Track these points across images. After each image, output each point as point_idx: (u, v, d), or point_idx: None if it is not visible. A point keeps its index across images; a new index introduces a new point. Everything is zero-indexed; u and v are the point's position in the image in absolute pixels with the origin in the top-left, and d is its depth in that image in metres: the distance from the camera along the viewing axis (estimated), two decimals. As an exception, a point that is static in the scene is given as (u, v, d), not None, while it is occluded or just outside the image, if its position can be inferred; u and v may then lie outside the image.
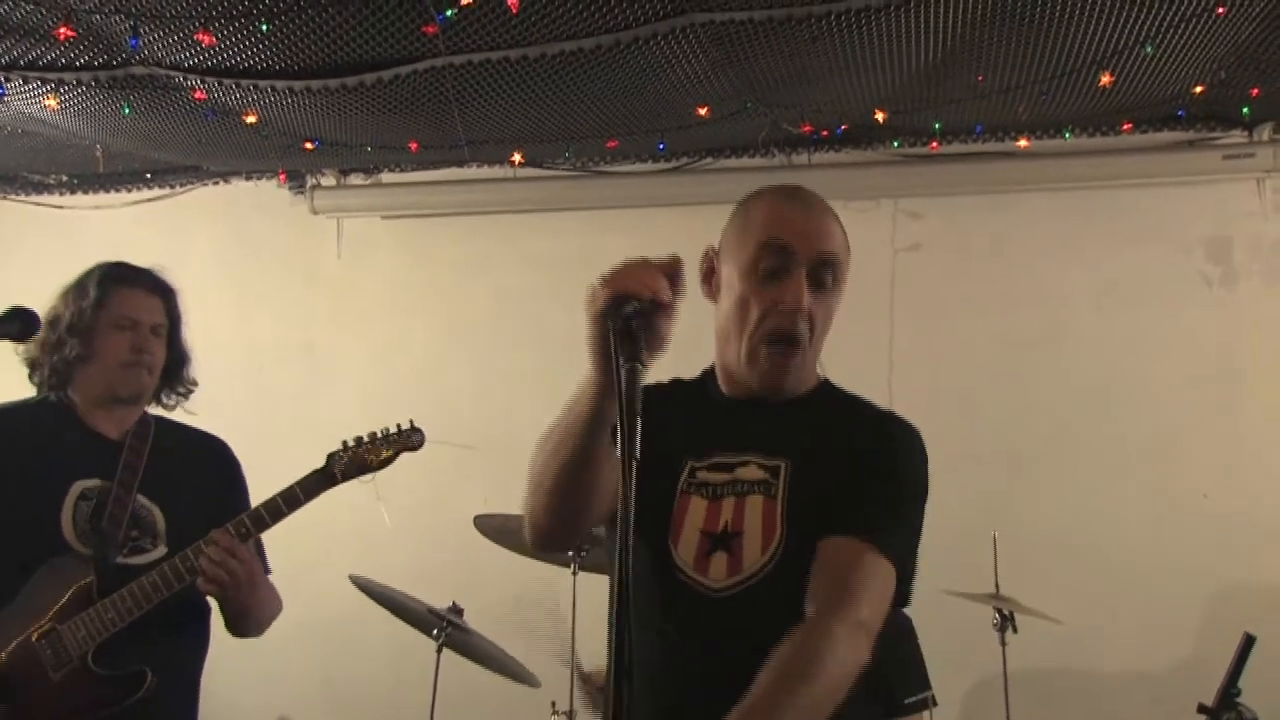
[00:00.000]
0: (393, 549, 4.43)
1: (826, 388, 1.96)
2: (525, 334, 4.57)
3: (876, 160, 4.55)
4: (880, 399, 1.98)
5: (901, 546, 1.78)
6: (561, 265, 4.48)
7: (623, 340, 1.45)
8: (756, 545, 1.75)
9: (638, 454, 1.34)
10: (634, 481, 1.32)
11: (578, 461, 1.66)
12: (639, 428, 1.34)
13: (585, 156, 4.63)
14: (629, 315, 1.47)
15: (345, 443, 2.58)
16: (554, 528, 1.78)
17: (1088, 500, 4.30)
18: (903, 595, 1.78)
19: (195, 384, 2.78)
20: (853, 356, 4.11)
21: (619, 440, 1.34)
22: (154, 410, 2.75)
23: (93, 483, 2.55)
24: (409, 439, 2.60)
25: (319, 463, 2.59)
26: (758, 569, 1.74)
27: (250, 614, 2.57)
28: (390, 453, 2.57)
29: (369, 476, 2.57)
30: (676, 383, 1.99)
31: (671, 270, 1.55)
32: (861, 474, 1.77)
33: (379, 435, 2.59)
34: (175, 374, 2.74)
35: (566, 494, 1.70)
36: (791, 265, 1.78)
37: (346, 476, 2.55)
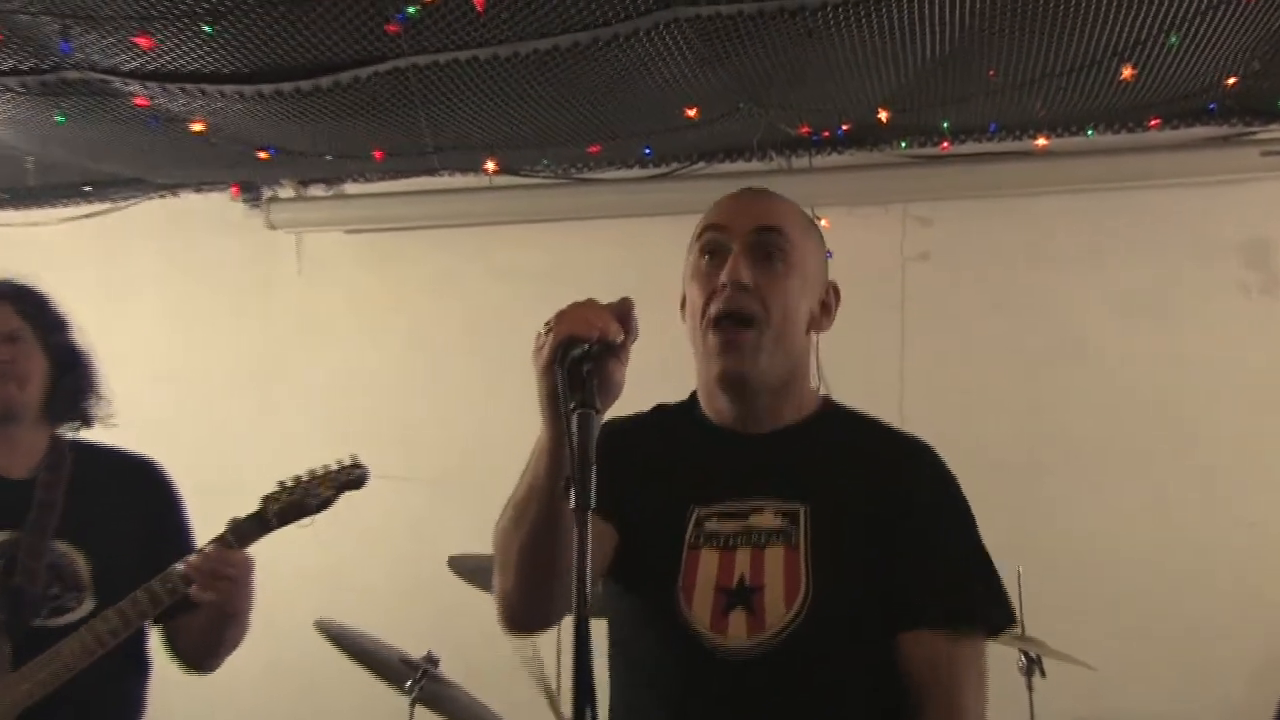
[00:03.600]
0: (362, 591, 4.41)
1: (830, 410, 1.96)
2: (501, 357, 4.27)
3: (882, 162, 4.53)
4: (891, 420, 1.99)
5: (983, 611, 1.84)
6: (541, 282, 4.48)
7: (572, 385, 1.48)
8: (780, 600, 1.75)
9: (592, 503, 1.36)
10: (589, 533, 1.34)
11: (544, 530, 1.63)
12: (593, 477, 1.37)
13: (565, 163, 4.61)
14: (577, 358, 1.50)
15: (282, 483, 2.55)
16: (529, 608, 1.74)
17: (1121, 532, 4.26)
18: (1006, 625, 1.88)
19: (98, 394, 2.68)
20: (861, 373, 4.12)
21: (571, 491, 1.36)
22: (71, 436, 2.69)
23: (1, 535, 2.48)
24: (350, 476, 2.56)
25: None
26: (783, 626, 1.74)
27: (239, 621, 2.52)
28: (330, 492, 2.54)
29: (308, 520, 2.54)
30: (660, 410, 2.00)
31: (621, 311, 1.57)
32: (911, 540, 1.79)
33: (317, 474, 2.56)
34: (63, 383, 2.63)
35: (537, 568, 1.67)
36: (727, 243, 1.85)
37: (284, 520, 2.51)
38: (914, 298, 4.54)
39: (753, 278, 1.82)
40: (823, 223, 3.93)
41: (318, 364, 4.89)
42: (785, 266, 1.85)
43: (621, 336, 1.56)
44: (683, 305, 1.93)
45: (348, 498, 2.66)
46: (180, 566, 2.44)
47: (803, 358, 1.91)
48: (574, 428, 1.44)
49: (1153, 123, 4.26)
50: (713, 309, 1.83)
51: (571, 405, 1.46)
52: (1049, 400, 4.41)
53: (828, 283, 1.95)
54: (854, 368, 4.03)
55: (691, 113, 3.84)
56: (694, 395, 1.96)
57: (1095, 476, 4.33)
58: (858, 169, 4.56)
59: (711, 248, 1.87)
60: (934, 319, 4.52)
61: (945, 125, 4.25)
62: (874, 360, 4.41)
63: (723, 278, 1.82)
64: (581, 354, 1.51)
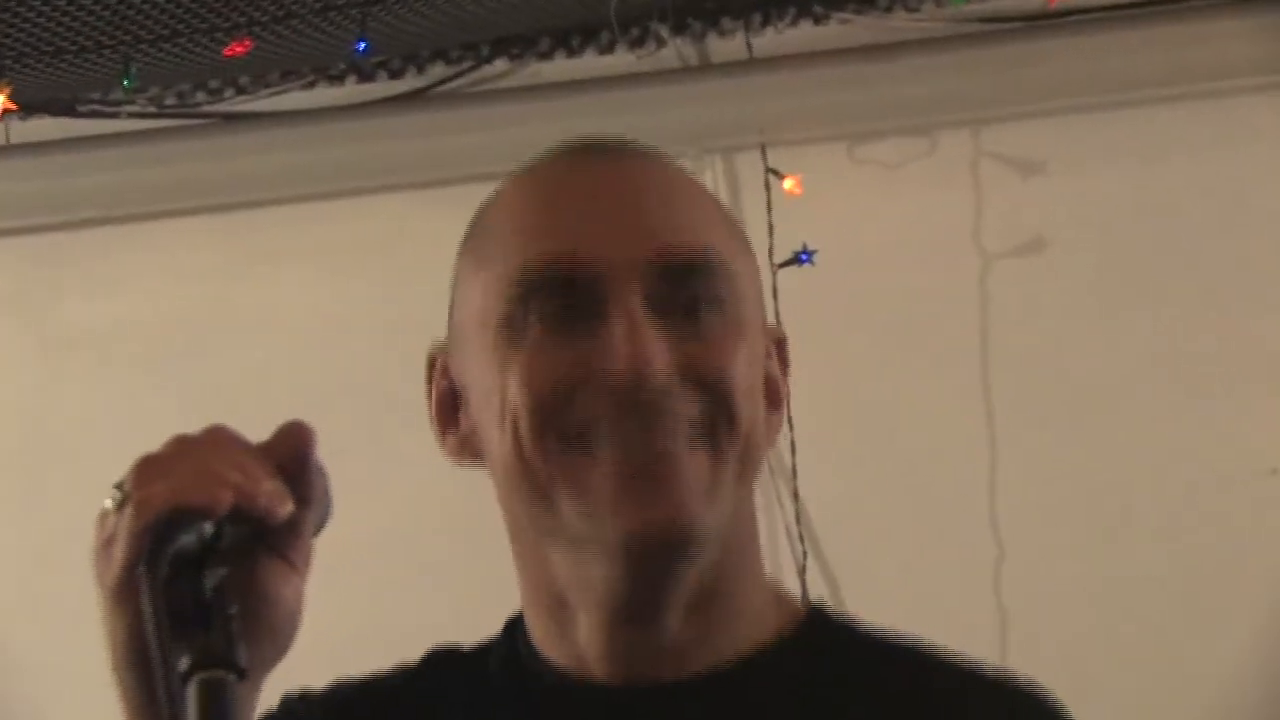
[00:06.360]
0: None
1: (819, 628, 1.96)
2: (54, 541, 4.17)
3: (914, 37, 4.45)
4: (982, 627, 2.64)
5: None
6: (136, 360, 4.52)
7: (179, 620, 1.41)
8: None
9: None
10: None
11: None
12: None
13: (176, 84, 4.45)
14: (188, 557, 1.46)
15: None
16: None
17: None
18: None
19: None
20: (903, 525, 4.43)
21: None
22: None
23: None
24: None
25: None
26: None
27: None
28: None
29: None
30: (444, 661, 1.99)
31: (287, 449, 1.58)
32: None
33: None
34: None
35: None
36: (602, 292, 1.81)
37: None
38: (1005, 337, 4.41)
39: (678, 353, 1.78)
40: (786, 184, 4.17)
41: None
42: (733, 324, 1.84)
43: (288, 507, 1.55)
44: (445, 428, 1.90)
45: None
46: None
47: (751, 508, 1.95)
48: (188, 713, 1.35)
49: None
50: (580, 416, 1.77)
51: (182, 665, 1.36)
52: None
53: (768, 332, 2.01)
54: (870, 518, 4.42)
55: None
56: (513, 625, 1.94)
57: None
58: (857, 54, 4.45)
59: (561, 307, 1.80)
60: (1053, 393, 4.40)
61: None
62: (931, 486, 4.39)
63: (614, 362, 1.74)
64: (199, 547, 1.48)
